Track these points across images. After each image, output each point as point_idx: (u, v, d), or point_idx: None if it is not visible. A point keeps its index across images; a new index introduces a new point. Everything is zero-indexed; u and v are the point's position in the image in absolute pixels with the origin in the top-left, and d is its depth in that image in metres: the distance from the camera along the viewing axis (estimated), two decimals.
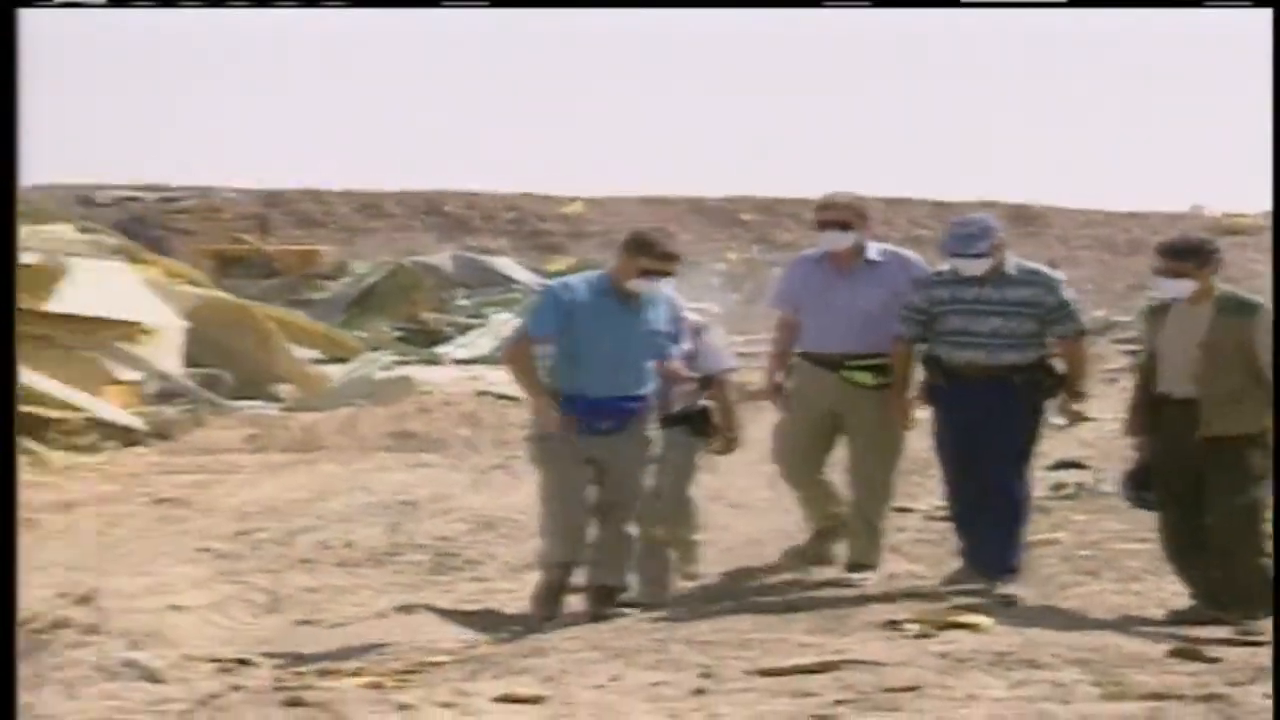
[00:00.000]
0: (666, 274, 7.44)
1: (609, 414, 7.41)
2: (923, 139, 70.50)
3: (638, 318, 7.41)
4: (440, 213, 43.10)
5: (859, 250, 7.88)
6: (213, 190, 42.41)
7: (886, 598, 7.27)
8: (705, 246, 38.01)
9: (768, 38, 78.30)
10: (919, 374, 7.71)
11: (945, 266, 7.60)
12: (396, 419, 15.92)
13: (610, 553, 7.51)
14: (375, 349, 22.32)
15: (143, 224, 33.22)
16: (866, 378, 7.79)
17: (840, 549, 7.95)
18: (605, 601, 7.45)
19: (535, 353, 7.53)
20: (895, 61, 77.14)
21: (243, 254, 31.07)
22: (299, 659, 6.84)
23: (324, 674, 6.38)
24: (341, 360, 20.66)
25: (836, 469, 8.06)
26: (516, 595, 7.94)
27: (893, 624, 6.55)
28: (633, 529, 7.54)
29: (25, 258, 15.71)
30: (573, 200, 43.79)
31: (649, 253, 7.39)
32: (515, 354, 7.65)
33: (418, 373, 20.01)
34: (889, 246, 8.16)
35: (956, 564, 7.65)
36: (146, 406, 15.58)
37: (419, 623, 7.64)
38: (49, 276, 15.24)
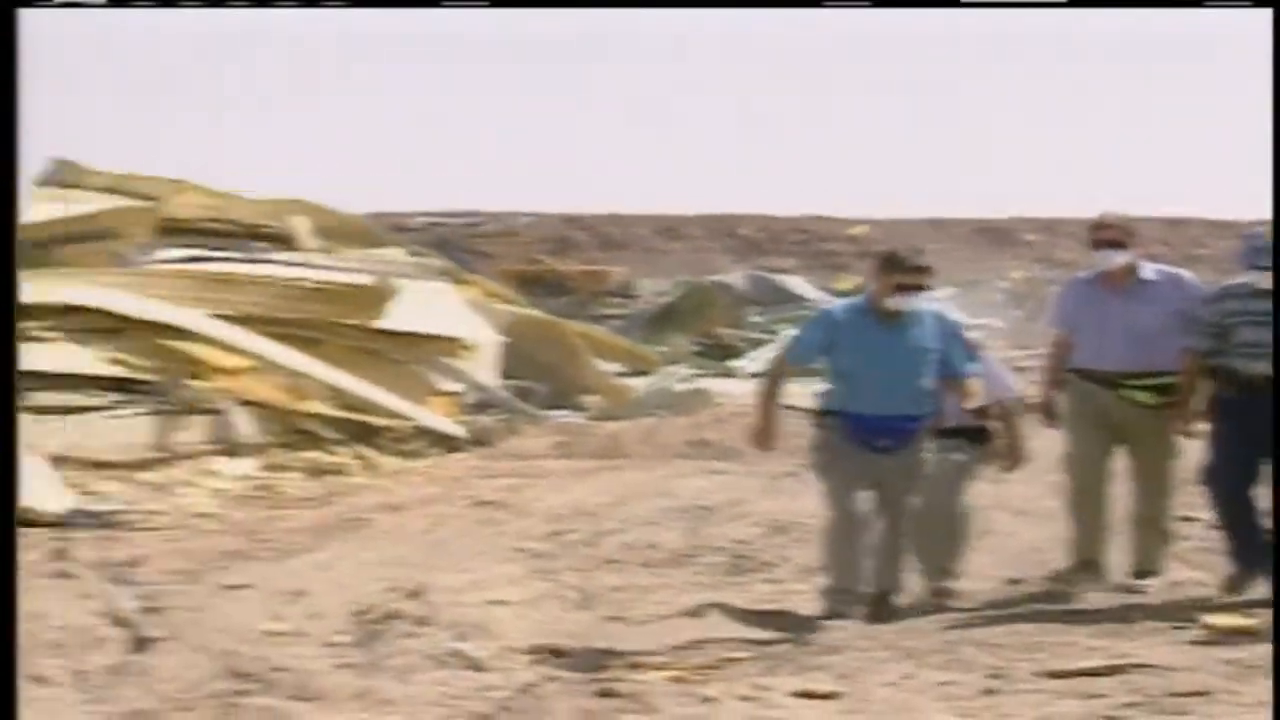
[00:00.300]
0: (920, 288, 7.32)
1: (885, 433, 7.30)
2: (1202, 158, 68.38)
3: (901, 335, 7.30)
4: (734, 235, 43.25)
5: (1132, 269, 7.68)
6: (512, 215, 43.20)
7: (1171, 603, 7.06)
8: (988, 266, 37.40)
9: (1046, 39, 76.47)
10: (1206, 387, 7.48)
11: (1239, 279, 7.34)
12: (694, 428, 15.98)
13: (887, 563, 7.43)
14: (674, 363, 22.46)
15: (450, 247, 34.01)
16: (1146, 397, 7.59)
17: (1090, 587, 7.72)
18: (883, 607, 7.38)
19: (787, 376, 7.54)
20: (1170, 78, 74.86)
21: (538, 274, 31.55)
22: (608, 653, 6.90)
23: (632, 667, 6.42)
24: (643, 373, 20.85)
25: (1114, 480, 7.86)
26: (809, 596, 7.89)
27: (1179, 629, 6.35)
28: (908, 541, 7.45)
29: (360, 279, 16.25)
30: (859, 223, 43.54)
31: (899, 268, 7.29)
32: (767, 374, 7.69)
33: (714, 385, 20.08)
34: (1162, 266, 7.94)
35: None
36: (466, 416, 15.91)
37: (718, 621, 7.65)
38: (381, 296, 15.68)
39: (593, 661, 6.67)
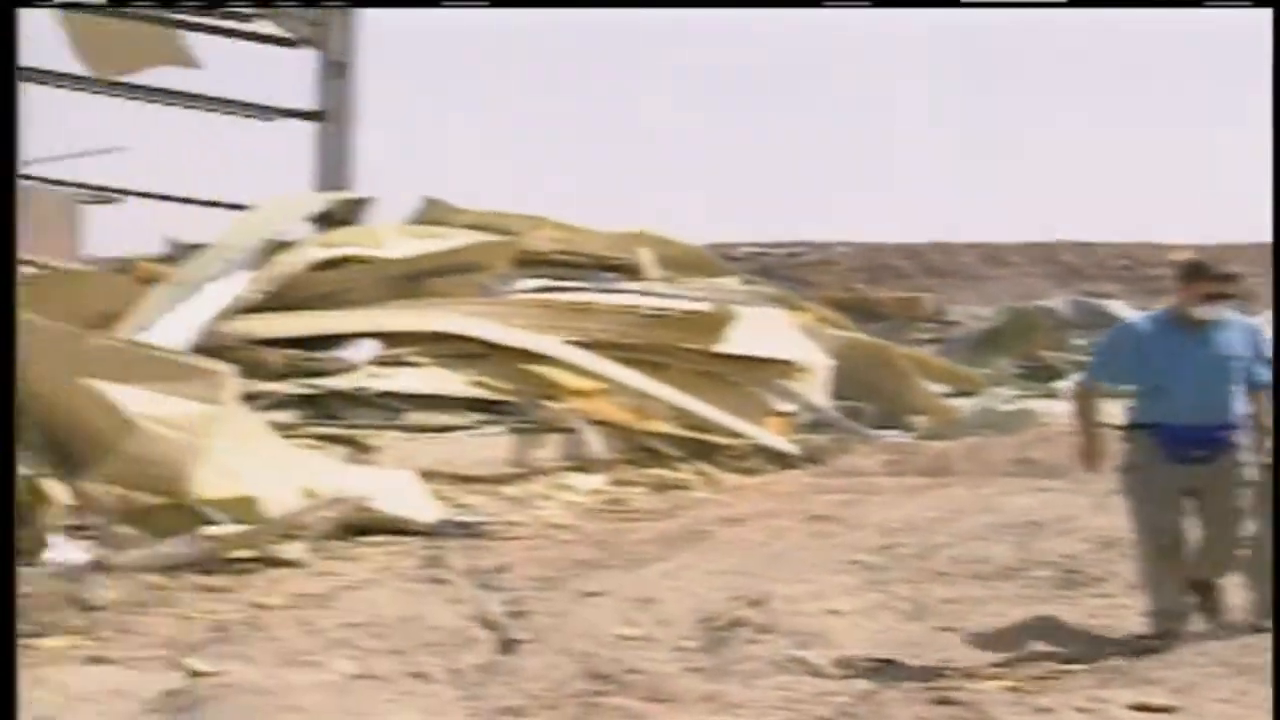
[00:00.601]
0: (1228, 295, 7.01)
1: (1199, 443, 7.00)
2: None
3: (1208, 343, 6.99)
4: (1056, 261, 42.28)
5: None
6: (832, 245, 43.05)
7: None
8: None
9: None
10: None
11: None
12: (1019, 447, 15.62)
13: (1216, 562, 7.13)
14: (998, 384, 22.06)
15: (774, 275, 34.00)
16: None
17: None
18: (1210, 598, 7.08)
19: (1099, 394, 7.28)
20: None
21: (853, 301, 31.31)
22: (943, 662, 6.80)
23: (967, 676, 6.31)
24: (967, 394, 20.52)
25: None
26: (1139, 611, 7.64)
27: None
28: (1241, 550, 7.14)
29: (701, 306, 16.44)
30: (1183, 248, 42.13)
31: (1206, 275, 7.00)
32: (1075, 397, 7.46)
33: (1038, 405, 19.63)
34: None
35: None
36: (800, 435, 15.89)
37: (1050, 634, 7.46)
38: (720, 322, 15.81)
39: (928, 670, 6.59)
